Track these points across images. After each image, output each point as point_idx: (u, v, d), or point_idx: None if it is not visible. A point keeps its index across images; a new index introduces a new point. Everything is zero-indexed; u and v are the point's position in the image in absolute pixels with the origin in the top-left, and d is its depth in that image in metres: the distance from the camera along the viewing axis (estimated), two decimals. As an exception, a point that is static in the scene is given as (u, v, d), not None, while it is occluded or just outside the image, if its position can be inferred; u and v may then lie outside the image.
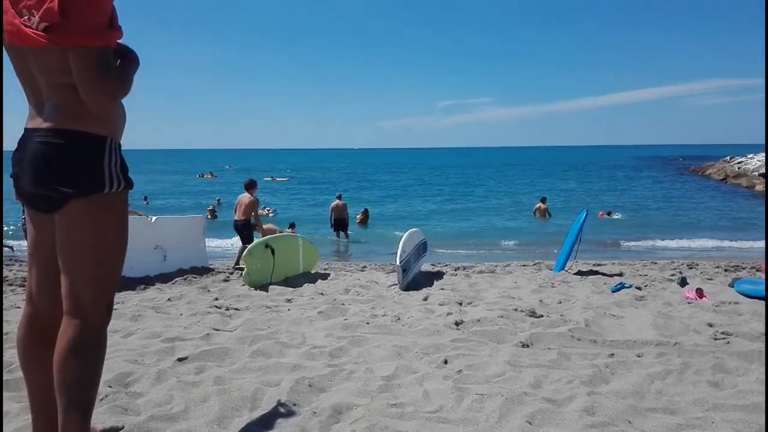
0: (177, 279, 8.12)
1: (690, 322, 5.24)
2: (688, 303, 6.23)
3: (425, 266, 9.58)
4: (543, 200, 23.57)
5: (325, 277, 8.40)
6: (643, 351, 4.36)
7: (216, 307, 6.06)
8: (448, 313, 5.52)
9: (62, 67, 2.09)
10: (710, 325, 5.10)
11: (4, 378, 3.43)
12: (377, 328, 4.97)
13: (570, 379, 3.67)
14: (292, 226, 16.28)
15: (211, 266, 9.53)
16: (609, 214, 22.67)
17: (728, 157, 49.03)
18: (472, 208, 28.26)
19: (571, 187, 41.05)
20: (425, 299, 6.49)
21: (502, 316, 5.34)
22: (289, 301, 6.47)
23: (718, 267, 9.48)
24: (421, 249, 9.10)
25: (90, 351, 2.23)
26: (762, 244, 15.91)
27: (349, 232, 18.54)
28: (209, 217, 21.60)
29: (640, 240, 16.94)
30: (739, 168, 40.93)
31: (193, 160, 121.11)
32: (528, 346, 4.51)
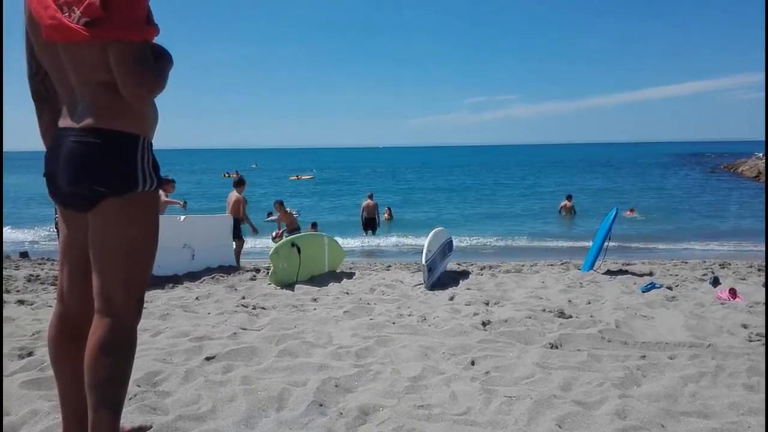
0: (205, 278, 8.21)
1: (723, 323, 5.11)
2: (721, 303, 6.08)
3: (451, 265, 9.53)
4: (569, 198, 23.27)
5: (350, 276, 8.41)
6: (675, 353, 4.27)
7: (243, 306, 6.11)
8: (475, 314, 5.48)
9: (99, 64, 2.11)
10: (744, 327, 4.97)
11: (35, 376, 3.49)
12: (403, 328, 4.95)
13: (601, 381, 3.60)
14: (314, 225, 16.32)
15: (239, 265, 9.63)
16: (632, 211, 22.29)
17: (761, 154, 47.81)
18: (499, 206, 28.07)
19: (599, 185, 40.51)
20: (451, 299, 6.45)
21: (529, 317, 5.28)
22: (315, 300, 6.49)
23: (751, 266, 9.24)
24: (447, 248, 9.05)
25: (121, 350, 2.25)
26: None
27: (378, 231, 18.68)
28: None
29: (670, 239, 16.62)
30: (773, 164, 39.90)
31: (217, 159, 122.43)
32: (557, 347, 4.45)
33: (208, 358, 4.05)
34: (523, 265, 10.14)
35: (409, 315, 5.52)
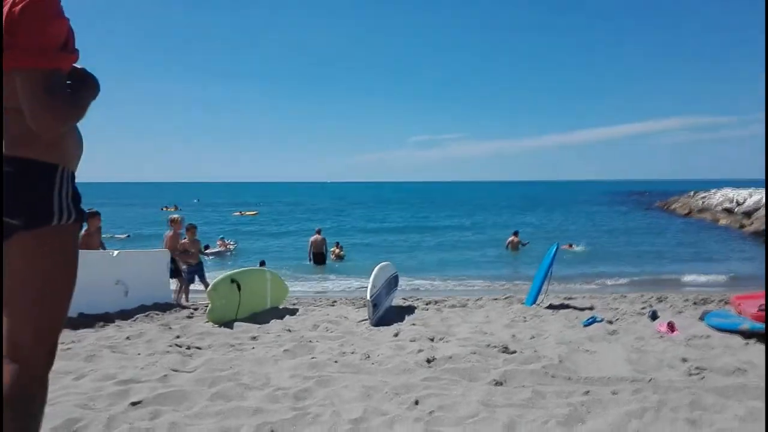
0: (138, 316, 7.79)
1: (664, 356, 5.16)
2: (660, 337, 6.18)
3: (396, 300, 9.42)
4: (515, 234, 23.70)
5: (293, 312, 8.17)
6: (618, 388, 4.25)
7: (177, 345, 5.79)
8: (420, 350, 5.35)
9: (9, 91, 1.95)
10: (684, 360, 5.02)
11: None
12: (345, 367, 4.78)
13: (545, 419, 3.53)
14: (262, 264, 15.97)
15: (175, 302, 9.22)
16: (571, 246, 22.86)
17: (692, 192, 50.30)
18: (445, 241, 28.27)
19: (541, 221, 41.52)
20: (396, 335, 6.31)
21: (474, 353, 5.20)
22: (254, 338, 6.22)
23: (687, 300, 9.51)
24: (393, 283, 8.95)
25: (24, 403, 2.02)
26: (725, 276, 16.16)
27: (327, 266, 18.51)
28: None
29: (609, 273, 17.04)
30: (702, 202, 41.93)
31: (157, 193, 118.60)
32: (501, 384, 4.37)
33: (133, 403, 3.76)
34: (468, 300, 10.12)
35: (353, 353, 5.35)
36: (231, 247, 23.05)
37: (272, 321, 7.34)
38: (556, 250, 9.28)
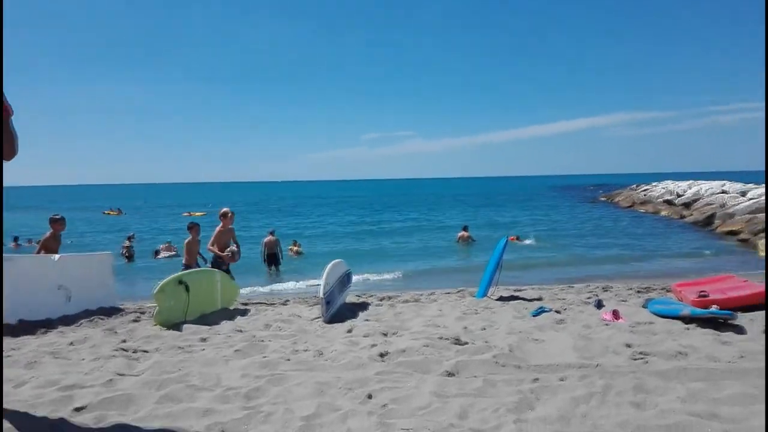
0: (82, 321, 7.52)
1: (609, 343, 5.33)
2: (606, 324, 6.37)
3: (350, 297, 9.40)
4: (465, 228, 24.00)
5: (244, 313, 8.04)
6: (566, 374, 4.36)
7: (122, 349, 5.62)
8: (373, 345, 5.37)
9: None
10: (628, 346, 5.20)
11: None
12: (298, 365, 4.75)
13: (496, 407, 3.59)
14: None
15: (122, 306, 8.94)
16: (516, 238, 23.34)
17: (635, 185, 52.13)
18: (399, 237, 28.37)
19: (492, 215, 42.16)
20: (349, 331, 6.31)
21: (427, 345, 5.24)
22: (203, 340, 6.10)
23: (630, 289, 9.83)
24: (346, 280, 8.93)
25: None
26: (667, 265, 16.80)
27: (281, 267, 18.30)
28: (124, 254, 20.37)
29: (557, 264, 17.45)
30: (644, 195, 43.52)
31: (98, 196, 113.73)
32: (453, 375, 4.42)
33: (77, 409, 3.65)
34: (421, 295, 10.18)
35: (305, 350, 5.32)
36: (175, 250, 22.49)
37: (223, 322, 7.21)
38: (505, 243, 9.43)
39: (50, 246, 8.48)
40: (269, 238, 18.35)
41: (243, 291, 10.13)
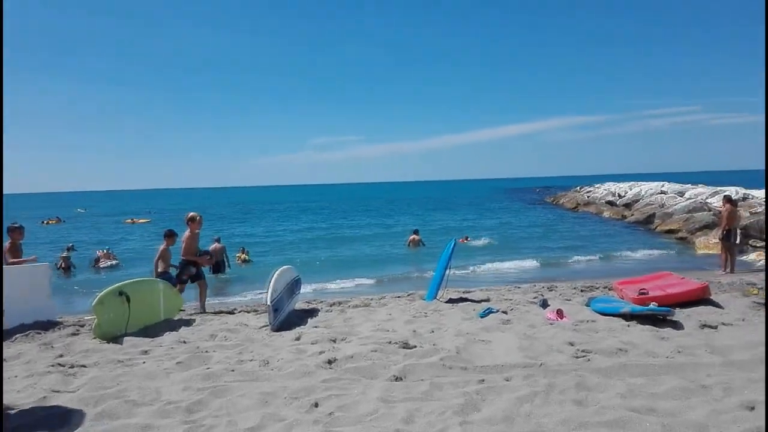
0: (17, 336, 7.15)
1: (552, 342, 5.42)
2: (550, 324, 6.49)
3: (299, 304, 9.29)
4: (416, 232, 24.12)
5: (189, 323, 7.81)
6: (511, 374, 4.41)
7: (59, 365, 5.37)
8: (320, 352, 5.30)
9: None
10: (571, 344, 5.31)
11: None
12: (243, 375, 4.64)
13: (442, 410, 3.59)
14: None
15: (60, 319, 8.56)
16: (466, 239, 23.67)
17: (578, 188, 53.70)
18: (348, 242, 28.28)
19: (440, 218, 42.57)
20: (297, 339, 6.21)
21: (375, 350, 5.22)
22: (145, 352, 5.89)
23: (574, 288, 10.07)
24: (295, 287, 8.80)
25: None
26: (609, 264, 17.33)
27: (227, 274, 17.93)
28: (62, 266, 19.46)
29: (505, 266, 17.74)
30: (588, 197, 44.85)
31: (35, 205, 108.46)
32: (401, 379, 4.41)
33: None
34: (371, 299, 10.15)
35: (251, 360, 5.20)
36: (115, 258, 21.70)
37: (165, 333, 6.98)
38: (454, 246, 9.51)
39: (15, 256, 8.26)
40: (215, 245, 18.04)
41: (188, 301, 9.86)
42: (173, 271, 9.50)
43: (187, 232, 9.39)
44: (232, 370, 4.78)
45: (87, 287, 15.57)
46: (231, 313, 9.27)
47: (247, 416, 3.61)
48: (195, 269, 9.34)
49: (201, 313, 9.23)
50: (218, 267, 17.89)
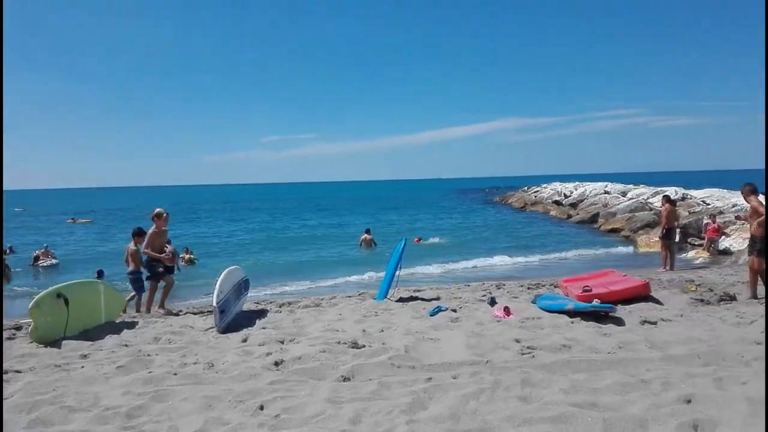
0: (-54, 342, 6.78)
1: (499, 339, 5.50)
2: (498, 321, 6.59)
3: (248, 305, 9.14)
4: (368, 231, 24.14)
5: (132, 326, 7.57)
6: (458, 372, 4.45)
7: (-9, 371, 5.10)
8: (268, 354, 5.22)
9: None
10: (517, 341, 5.39)
11: None
12: (186, 379, 4.51)
13: (389, 409, 3.59)
14: (100, 274, 14.70)
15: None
16: (419, 240, 23.89)
17: (526, 188, 54.91)
18: (299, 242, 28.04)
19: (392, 218, 42.75)
20: (244, 341, 6.10)
21: (324, 351, 5.17)
22: (84, 357, 5.67)
23: (522, 285, 10.27)
24: (242, 287, 8.65)
25: None
26: (555, 262, 17.77)
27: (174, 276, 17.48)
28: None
29: (455, 265, 17.94)
30: (535, 197, 45.89)
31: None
32: (349, 379, 4.38)
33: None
34: (322, 299, 10.09)
35: (195, 363, 5.07)
36: (53, 257, 20.88)
37: (107, 336, 6.74)
38: (404, 245, 9.54)
39: None
40: (132, 247, 17.66)
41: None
42: (145, 272, 9.34)
43: (152, 229, 9.16)
44: (175, 374, 4.65)
45: (25, 289, 14.96)
46: (176, 314, 9.04)
47: (190, 421, 3.51)
48: (161, 266, 9.16)
49: (161, 308, 9.03)
50: (168, 270, 17.56)
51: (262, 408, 3.75)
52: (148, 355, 5.50)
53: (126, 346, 6.14)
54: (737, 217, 12.00)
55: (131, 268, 9.26)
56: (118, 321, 7.87)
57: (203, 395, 3.99)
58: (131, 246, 9.33)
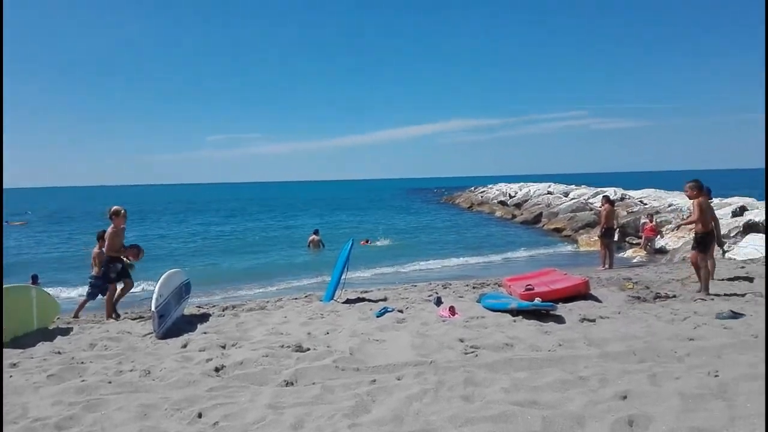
0: None
1: (444, 339, 5.53)
2: (443, 321, 6.63)
3: (190, 309, 8.91)
4: (316, 232, 23.97)
5: (66, 332, 7.26)
6: (402, 373, 4.44)
7: None
8: (208, 359, 5.09)
9: None
10: (461, 341, 5.44)
11: None
12: (121, 387, 4.34)
13: (332, 413, 3.54)
14: (35, 279, 14.06)
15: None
16: (367, 241, 23.94)
17: (473, 188, 55.82)
18: (246, 244, 27.59)
19: (341, 218, 42.63)
20: (184, 346, 5.92)
21: (266, 355, 5.08)
22: (13, 365, 5.38)
23: (467, 285, 10.38)
24: (184, 291, 8.42)
25: None
26: (501, 261, 18.10)
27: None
28: None
29: (402, 265, 18.03)
30: (482, 197, 46.67)
31: None
32: (292, 384, 4.31)
33: None
34: (267, 302, 9.92)
35: (131, 370, 4.89)
36: None
37: (39, 344, 6.43)
38: (351, 246, 9.50)
39: None
40: (96, 250, 17.17)
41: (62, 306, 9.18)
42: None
43: (110, 228, 8.76)
44: (110, 382, 4.46)
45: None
46: (115, 319, 8.72)
47: (124, 430, 3.38)
48: (121, 266, 8.79)
49: (109, 317, 8.64)
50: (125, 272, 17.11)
51: (200, 416, 3.64)
52: (82, 362, 5.27)
53: (59, 353, 5.87)
54: None
55: (94, 272, 9.04)
56: (51, 327, 7.53)
57: (139, 404, 3.84)
58: (95, 249, 9.09)
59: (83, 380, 4.58)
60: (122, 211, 8.91)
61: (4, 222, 42.50)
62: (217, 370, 4.71)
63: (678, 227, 7.90)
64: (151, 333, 6.66)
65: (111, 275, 8.71)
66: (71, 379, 4.67)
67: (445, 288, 10.17)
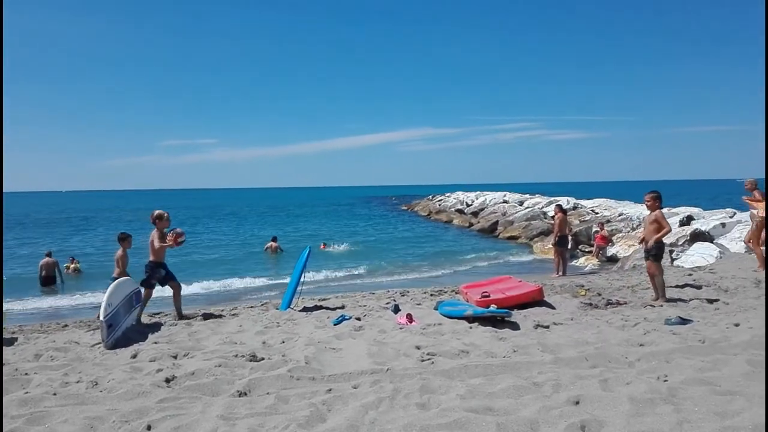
0: None
1: (401, 346, 5.53)
2: (400, 328, 6.64)
3: (142, 318, 8.64)
4: (274, 239, 23.73)
5: (11, 342, 6.97)
6: (358, 381, 4.42)
7: None
8: (159, 370, 4.95)
9: None
10: (418, 348, 5.45)
11: None
12: (66, 399, 4.18)
13: (286, 423, 3.49)
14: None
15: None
16: (324, 246, 23.89)
17: (431, 196, 56.31)
18: (201, 251, 27.08)
19: (300, 225, 42.31)
20: (134, 357, 5.75)
21: (220, 365, 4.98)
22: (-50, 379, 5.13)
23: (425, 292, 10.43)
24: (134, 300, 8.18)
25: None
26: (458, 269, 18.27)
27: (60, 286, 16.51)
28: None
29: (360, 272, 18.00)
30: (440, 205, 47.05)
31: None
32: (245, 394, 4.23)
33: None
34: (222, 311, 9.73)
35: (78, 382, 4.72)
36: None
37: (-21, 355, 6.15)
38: (309, 253, 9.42)
39: None
40: (47, 260, 17.11)
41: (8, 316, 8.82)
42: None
43: (154, 232, 8.52)
44: (54, 394, 4.29)
45: None
46: (63, 329, 8.43)
47: (68, 446, 3.25)
48: (165, 272, 8.55)
49: (180, 318, 8.41)
50: (50, 281, 16.81)
51: (149, 428, 3.53)
52: (26, 373, 5.06)
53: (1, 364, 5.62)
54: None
55: (115, 274, 8.73)
56: (-8, 338, 7.20)
57: (85, 416, 3.71)
58: (119, 252, 8.86)
59: (27, 392, 4.40)
60: (165, 215, 8.66)
61: None
62: (167, 380, 4.58)
63: (656, 240, 8.04)
64: (100, 343, 6.45)
65: (151, 281, 8.50)
66: (14, 391, 4.47)
67: (403, 295, 10.19)
